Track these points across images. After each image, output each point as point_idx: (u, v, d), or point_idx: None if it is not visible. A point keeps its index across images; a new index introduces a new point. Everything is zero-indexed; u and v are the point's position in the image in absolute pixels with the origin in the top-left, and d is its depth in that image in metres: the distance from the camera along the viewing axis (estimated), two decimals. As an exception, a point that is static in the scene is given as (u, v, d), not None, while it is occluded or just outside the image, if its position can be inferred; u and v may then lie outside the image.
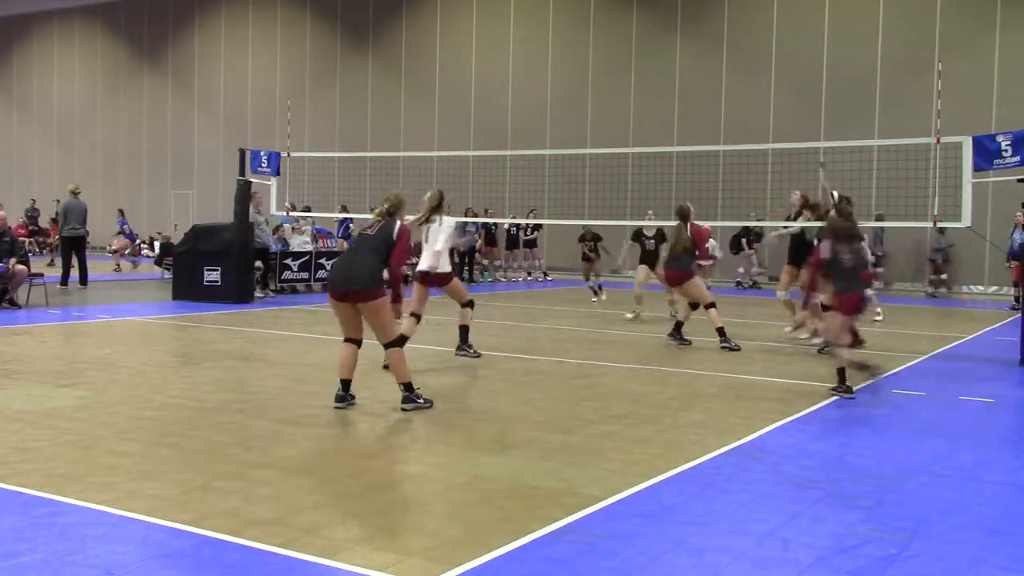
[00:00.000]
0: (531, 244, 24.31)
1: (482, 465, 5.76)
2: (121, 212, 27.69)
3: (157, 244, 25.93)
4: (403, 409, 7.34)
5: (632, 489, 5.29)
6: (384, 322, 7.30)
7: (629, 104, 26.35)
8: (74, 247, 18.62)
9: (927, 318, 16.56)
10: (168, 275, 19.42)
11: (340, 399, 7.48)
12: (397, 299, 7.55)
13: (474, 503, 5.01)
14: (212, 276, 16.07)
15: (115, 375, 8.72)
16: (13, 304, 14.64)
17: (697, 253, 11.92)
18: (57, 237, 18.45)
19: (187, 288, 16.29)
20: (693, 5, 25.63)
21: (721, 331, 11.51)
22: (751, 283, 22.96)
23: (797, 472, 5.77)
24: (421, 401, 7.41)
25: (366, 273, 7.24)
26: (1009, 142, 10.79)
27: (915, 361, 10.90)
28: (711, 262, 17.56)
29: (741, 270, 22.91)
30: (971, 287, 22.39)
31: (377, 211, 7.69)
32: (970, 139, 11.16)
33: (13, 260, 14.72)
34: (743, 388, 8.82)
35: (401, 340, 7.48)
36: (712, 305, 11.54)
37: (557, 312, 16.23)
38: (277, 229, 19.74)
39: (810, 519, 4.85)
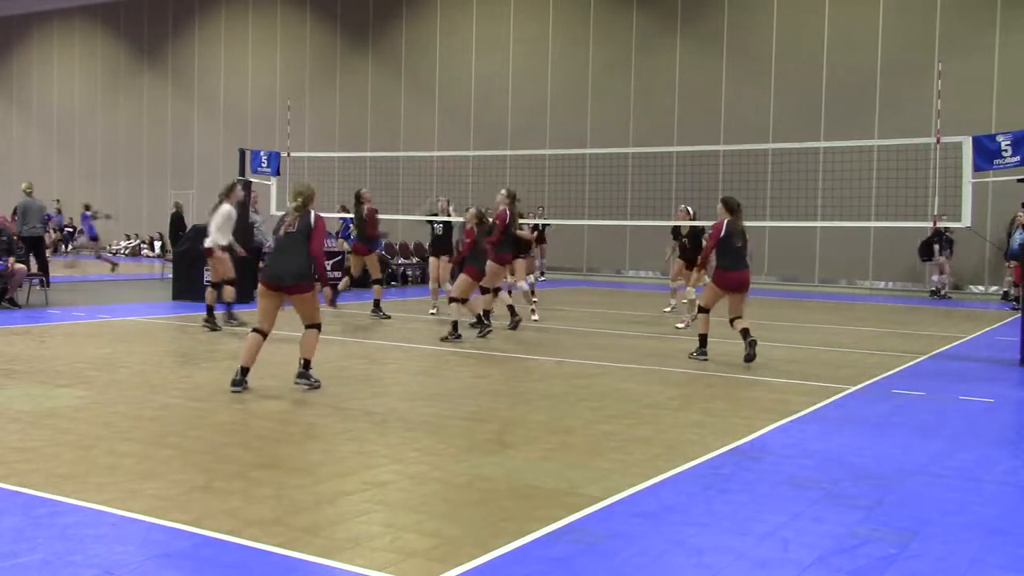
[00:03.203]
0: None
1: (482, 465, 5.75)
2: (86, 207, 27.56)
3: (156, 243, 25.81)
4: (295, 383, 8.17)
5: (632, 489, 5.29)
6: (312, 309, 8.32)
7: (629, 104, 26.35)
8: (33, 247, 18.29)
9: (927, 318, 16.55)
10: (168, 275, 19.41)
11: (237, 383, 7.99)
12: (325, 282, 8.45)
13: (474, 503, 5.01)
14: (212, 276, 16.05)
15: (115, 375, 8.72)
16: (13, 304, 14.64)
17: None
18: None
19: (187, 288, 16.28)
20: (693, 5, 25.62)
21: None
22: (935, 291, 21.22)
23: (797, 472, 5.77)
24: (312, 381, 8.17)
25: (300, 269, 8.15)
26: (1009, 142, 10.80)
27: (915, 361, 10.90)
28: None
29: (935, 277, 21.25)
30: (971, 287, 22.38)
31: (294, 205, 8.33)
32: (970, 139, 11.16)
33: (12, 259, 14.72)
34: (743, 388, 8.82)
35: (320, 325, 8.43)
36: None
37: (556, 312, 16.22)
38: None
39: (810, 519, 4.85)
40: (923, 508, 5.11)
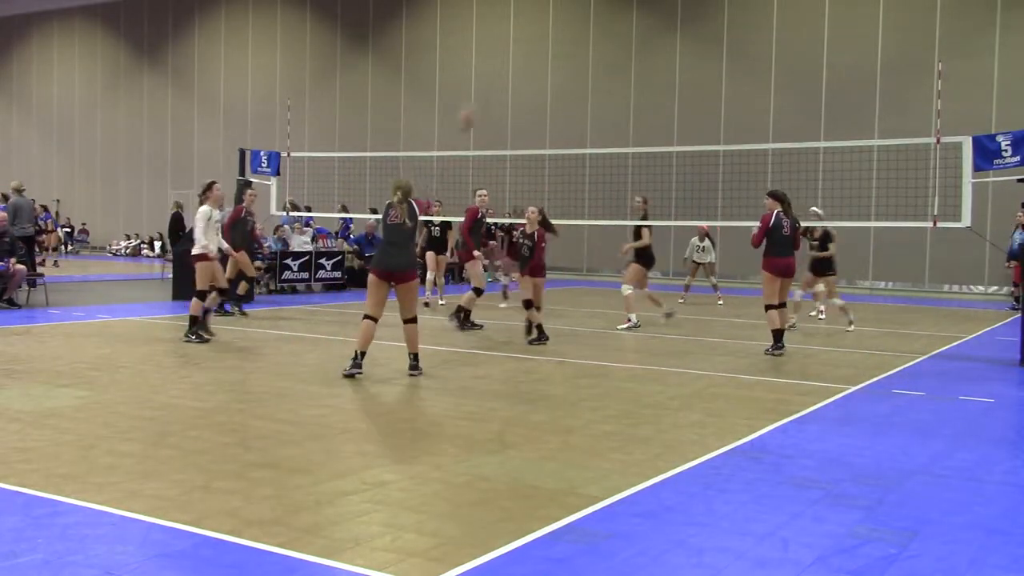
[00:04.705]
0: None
1: (482, 465, 5.75)
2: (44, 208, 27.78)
3: (156, 243, 25.80)
4: (410, 375, 8.86)
5: (632, 489, 5.29)
6: (414, 300, 8.95)
7: (629, 104, 26.35)
8: (26, 247, 18.12)
9: (927, 318, 16.56)
10: (168, 275, 19.42)
11: (357, 366, 8.67)
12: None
13: (474, 503, 5.01)
14: (212, 276, 16.02)
15: (115, 375, 8.72)
16: (12, 304, 14.64)
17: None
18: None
19: (187, 288, 16.21)
20: (693, 5, 25.62)
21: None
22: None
23: (797, 472, 5.77)
24: (418, 372, 8.90)
25: (411, 259, 8.98)
26: (1009, 142, 10.80)
27: (915, 361, 10.90)
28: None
29: None
30: (971, 287, 22.37)
31: (396, 199, 8.83)
32: (970, 139, 11.16)
33: (13, 260, 14.73)
34: (743, 388, 8.82)
35: (416, 319, 8.96)
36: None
37: (556, 312, 16.21)
38: (277, 229, 19.74)
39: (810, 519, 4.85)
40: (923, 508, 5.11)
